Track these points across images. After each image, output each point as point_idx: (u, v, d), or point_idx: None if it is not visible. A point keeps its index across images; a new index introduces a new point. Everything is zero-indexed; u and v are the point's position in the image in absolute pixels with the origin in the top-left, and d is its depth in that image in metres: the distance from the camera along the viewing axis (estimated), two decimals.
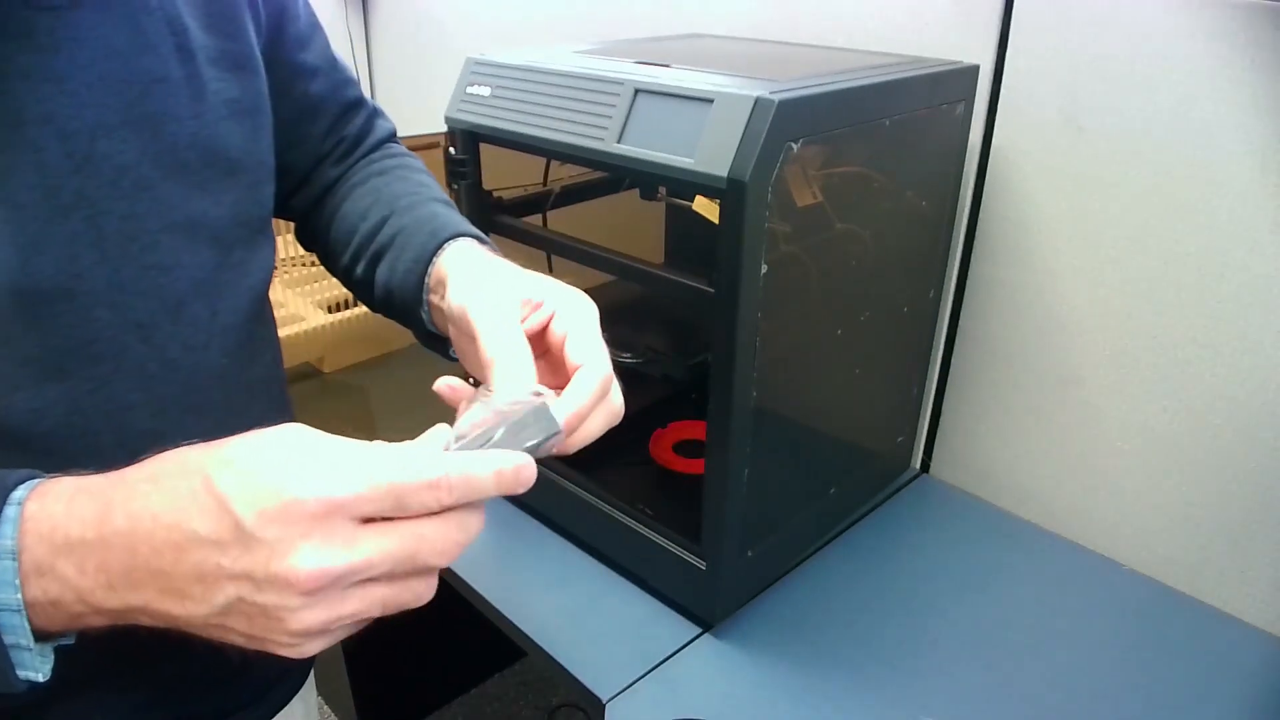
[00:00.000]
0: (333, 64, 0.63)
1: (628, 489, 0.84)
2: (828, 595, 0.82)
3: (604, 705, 0.70)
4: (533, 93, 0.72)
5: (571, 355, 0.44)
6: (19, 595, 0.34)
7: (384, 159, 0.66)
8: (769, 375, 0.68)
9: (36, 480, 0.37)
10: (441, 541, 0.35)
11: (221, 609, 0.34)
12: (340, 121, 0.64)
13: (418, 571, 0.36)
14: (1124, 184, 0.77)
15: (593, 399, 0.42)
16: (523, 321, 0.45)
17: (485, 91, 0.76)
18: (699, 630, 0.78)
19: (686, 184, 0.63)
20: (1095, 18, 0.75)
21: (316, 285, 1.37)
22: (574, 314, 0.46)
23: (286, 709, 0.64)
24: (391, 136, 0.69)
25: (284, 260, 1.46)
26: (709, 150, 0.60)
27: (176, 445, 0.39)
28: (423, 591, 0.37)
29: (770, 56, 0.85)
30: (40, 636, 0.36)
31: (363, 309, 1.29)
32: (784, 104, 0.59)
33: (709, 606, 0.77)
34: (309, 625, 0.34)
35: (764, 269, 0.63)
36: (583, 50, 0.80)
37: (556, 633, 0.76)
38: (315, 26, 0.61)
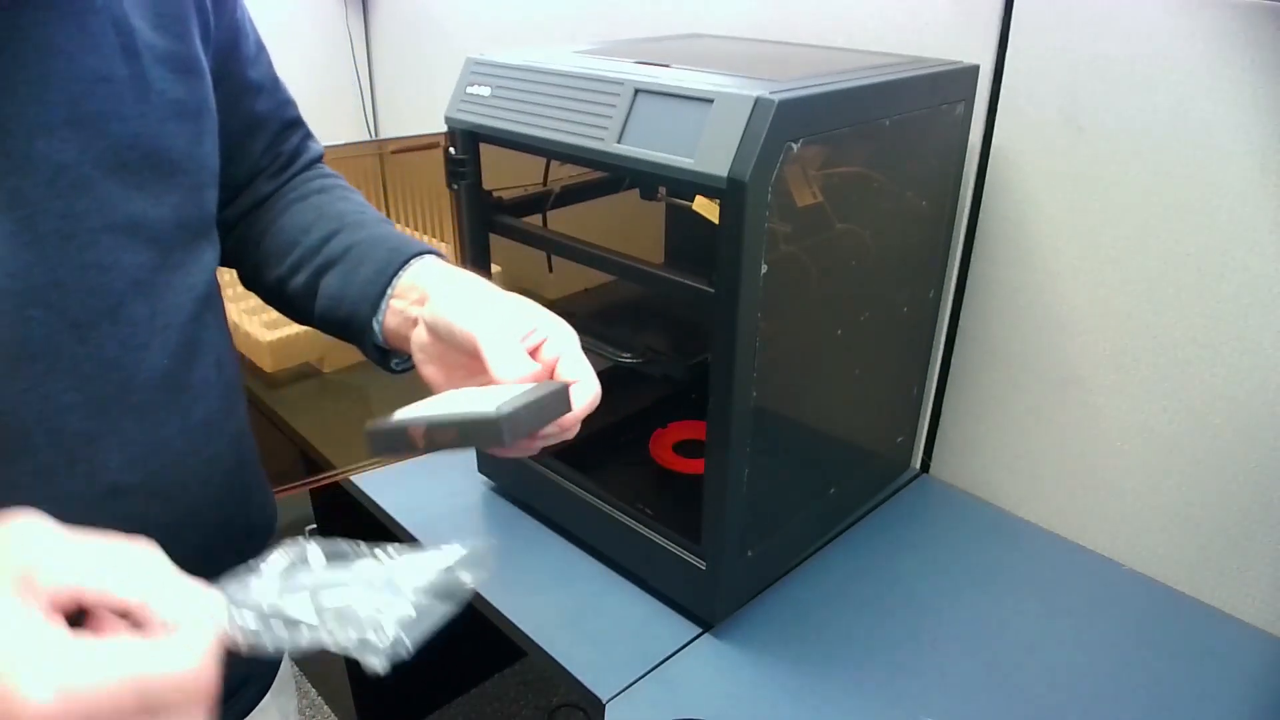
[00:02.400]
0: (275, 83, 0.64)
1: (628, 489, 0.84)
2: (828, 595, 0.82)
3: (604, 705, 0.70)
4: (533, 93, 0.72)
5: (568, 374, 0.48)
6: None
7: (319, 178, 0.67)
8: (769, 375, 0.68)
9: None
10: (181, 683, 0.32)
11: None
12: (278, 138, 0.65)
13: None
14: (1124, 184, 0.77)
15: (587, 407, 0.47)
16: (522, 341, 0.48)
17: (485, 91, 0.76)
18: (699, 630, 0.78)
19: (686, 184, 0.63)
20: (1095, 18, 0.75)
21: None
22: (563, 338, 0.49)
23: (258, 710, 0.63)
24: (320, 158, 0.70)
25: None
26: (709, 150, 0.60)
27: (112, 446, 0.39)
28: None
29: (770, 56, 0.85)
30: None
31: None
32: (784, 104, 0.59)
33: (709, 606, 0.77)
34: None
35: (764, 269, 0.63)
36: (583, 50, 0.80)
37: (556, 632, 0.76)
38: (261, 46, 0.63)
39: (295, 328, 1.22)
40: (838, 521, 0.91)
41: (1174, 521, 0.82)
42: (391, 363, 0.59)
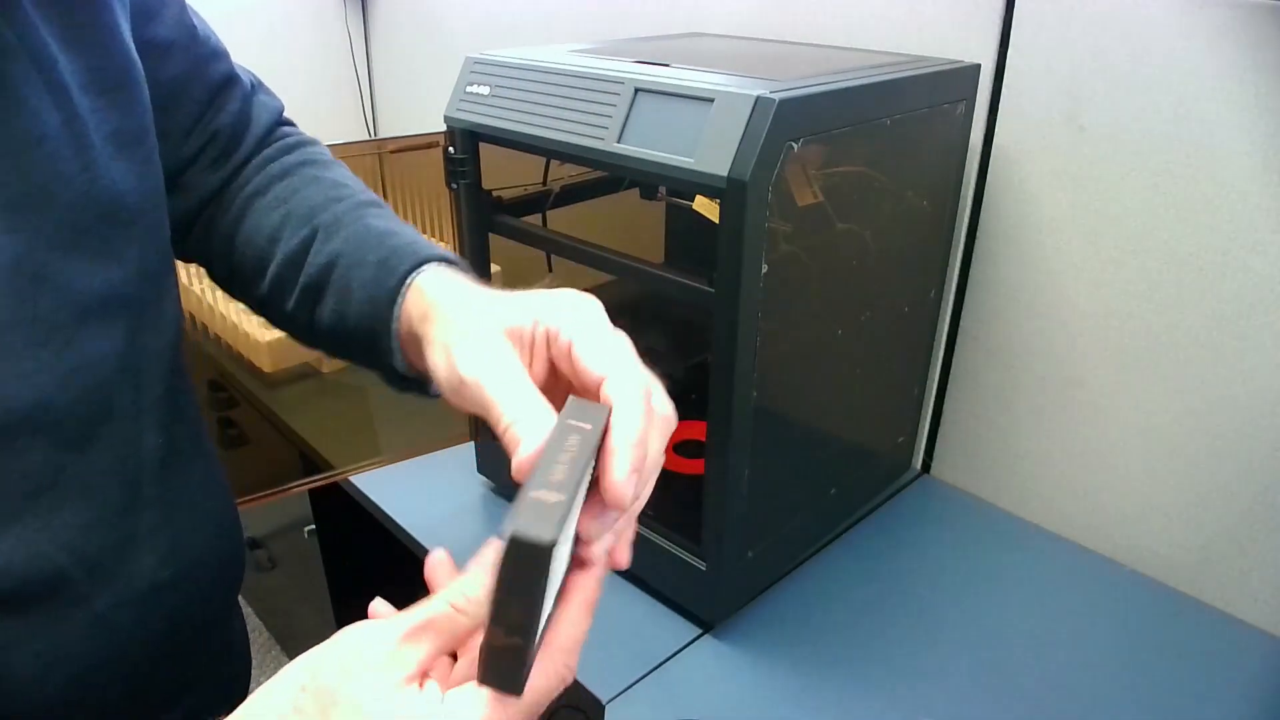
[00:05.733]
0: (192, 35, 0.50)
1: None
2: (828, 596, 0.82)
3: (604, 706, 0.70)
4: (532, 92, 0.72)
5: (590, 366, 0.36)
6: None
7: (280, 155, 0.55)
8: (769, 375, 0.68)
9: None
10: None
11: None
12: (210, 111, 0.52)
13: None
14: (1125, 183, 0.77)
15: (643, 418, 0.34)
16: (529, 362, 0.38)
17: (485, 91, 0.76)
18: (699, 631, 0.77)
19: (686, 184, 0.62)
20: (1096, 17, 0.75)
21: None
22: (574, 320, 0.38)
23: None
24: (279, 117, 0.57)
25: None
26: (709, 150, 0.60)
27: (143, 549, 0.36)
28: None
29: (770, 55, 0.85)
30: None
31: None
32: (784, 103, 0.58)
33: (709, 607, 0.77)
34: None
35: (764, 269, 0.63)
36: (582, 49, 0.79)
37: None
38: None
39: None
40: (838, 522, 0.91)
41: (1175, 522, 0.82)
42: (430, 389, 0.47)
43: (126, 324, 0.43)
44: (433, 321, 0.42)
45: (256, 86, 0.57)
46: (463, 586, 0.33)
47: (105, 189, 0.41)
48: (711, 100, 0.61)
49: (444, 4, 1.49)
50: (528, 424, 0.34)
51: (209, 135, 0.53)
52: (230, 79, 0.54)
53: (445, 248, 0.49)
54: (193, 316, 1.41)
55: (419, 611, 0.33)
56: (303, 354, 1.25)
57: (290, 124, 0.58)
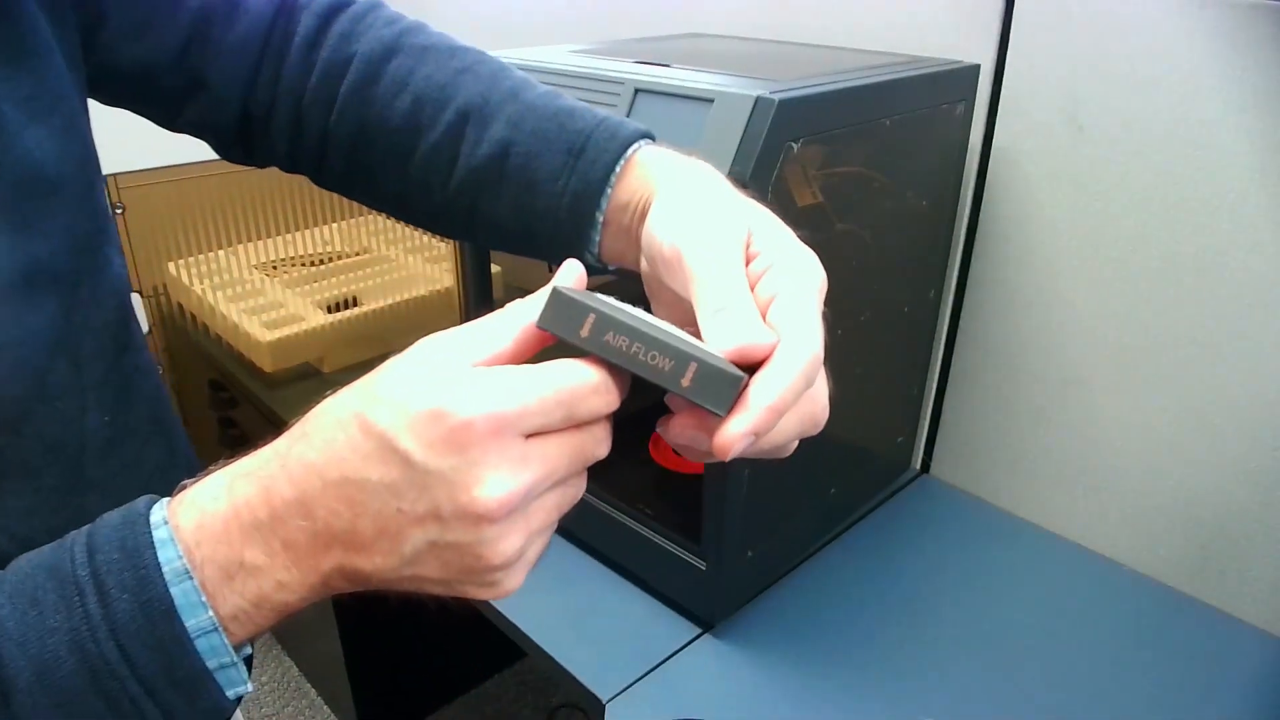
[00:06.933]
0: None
1: (628, 489, 0.84)
2: (828, 595, 0.82)
3: (604, 705, 0.70)
4: None
5: (777, 322, 0.34)
6: (210, 613, 0.31)
7: (360, 30, 0.50)
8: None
9: (163, 500, 0.34)
10: (600, 431, 0.33)
11: (411, 557, 0.31)
12: (260, 34, 0.49)
13: (582, 469, 0.34)
14: (1124, 184, 0.77)
15: (794, 387, 0.32)
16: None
17: None
18: (699, 631, 0.77)
19: None
20: (1096, 17, 0.75)
21: (317, 285, 1.37)
22: (792, 272, 0.35)
23: None
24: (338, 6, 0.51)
25: (284, 260, 1.47)
26: (709, 150, 0.60)
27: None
28: (583, 485, 0.35)
29: (770, 56, 0.85)
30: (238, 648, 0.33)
31: (363, 309, 1.30)
32: (784, 103, 0.59)
33: (709, 607, 0.77)
34: (508, 554, 0.32)
35: None
36: (582, 50, 0.80)
37: (556, 633, 0.76)
38: None
39: (295, 327, 1.22)
40: (838, 522, 0.91)
41: (1175, 522, 0.82)
42: (611, 271, 0.47)
43: (59, 300, 0.42)
44: (657, 196, 0.41)
45: None
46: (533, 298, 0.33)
47: (18, 158, 0.40)
48: (711, 100, 0.61)
49: (444, 4, 1.49)
50: (732, 306, 0.34)
51: (196, 13, 0.49)
52: None
53: (622, 118, 0.46)
54: (193, 316, 1.41)
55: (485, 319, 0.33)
56: (304, 354, 1.25)
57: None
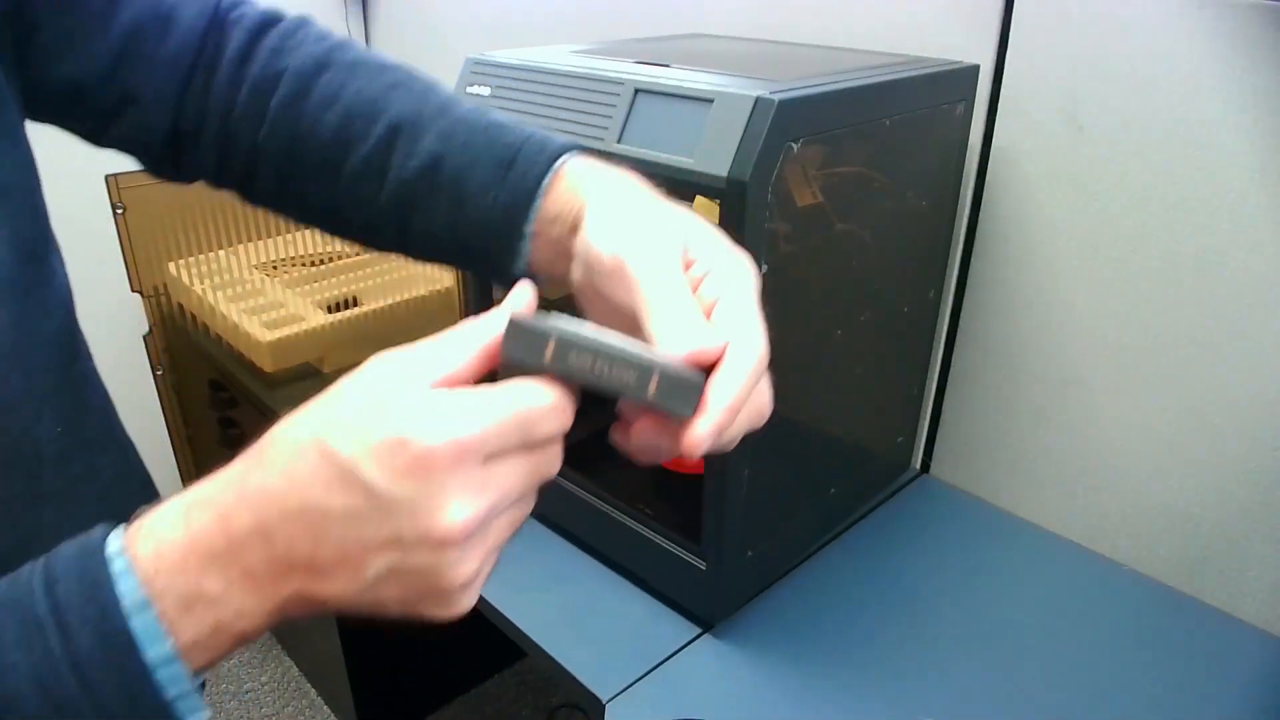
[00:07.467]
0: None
1: (628, 489, 0.84)
2: (828, 595, 0.82)
3: (604, 705, 0.70)
4: (532, 92, 0.72)
5: (722, 324, 0.36)
6: (170, 644, 0.31)
7: (290, 46, 0.50)
8: (769, 375, 0.68)
9: (119, 527, 0.33)
10: (554, 450, 0.34)
11: (372, 582, 0.32)
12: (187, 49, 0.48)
13: (536, 489, 0.35)
14: (1124, 183, 0.77)
15: (747, 386, 0.35)
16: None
17: (485, 91, 0.76)
18: (699, 630, 0.78)
19: (686, 184, 0.62)
20: (1096, 17, 0.75)
21: (317, 285, 1.37)
22: (730, 276, 0.37)
23: None
24: (270, 21, 0.51)
25: (284, 260, 1.47)
26: (709, 150, 0.60)
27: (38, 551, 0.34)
28: (533, 502, 0.35)
29: (770, 56, 0.85)
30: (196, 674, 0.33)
31: (363, 309, 1.30)
32: (784, 104, 0.59)
33: (709, 607, 0.77)
34: (467, 575, 0.32)
35: (764, 269, 0.63)
36: (582, 50, 0.80)
37: (556, 633, 0.76)
38: None
39: (295, 327, 1.22)
40: (838, 522, 0.91)
41: (1174, 522, 0.82)
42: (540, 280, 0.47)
43: (8, 309, 0.41)
44: (589, 208, 0.42)
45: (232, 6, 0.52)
46: (487, 317, 0.34)
47: None
48: (711, 101, 0.61)
49: (444, 4, 1.49)
50: (678, 311, 0.35)
51: (127, 28, 0.48)
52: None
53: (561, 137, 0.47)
54: (193, 317, 1.41)
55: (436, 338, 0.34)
56: (303, 354, 1.25)
57: (242, 1, 0.53)
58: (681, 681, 0.72)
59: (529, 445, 0.33)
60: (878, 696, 0.71)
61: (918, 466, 1.01)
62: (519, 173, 0.45)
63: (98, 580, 0.31)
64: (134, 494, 0.52)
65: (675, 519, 0.78)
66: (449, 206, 0.47)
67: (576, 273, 0.42)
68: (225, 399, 1.44)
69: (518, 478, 0.33)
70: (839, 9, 0.93)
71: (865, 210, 0.74)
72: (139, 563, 0.32)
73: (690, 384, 0.33)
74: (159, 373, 1.54)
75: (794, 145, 0.61)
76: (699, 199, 0.63)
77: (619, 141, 0.65)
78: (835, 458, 0.87)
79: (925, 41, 0.87)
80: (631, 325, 0.37)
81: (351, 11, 1.71)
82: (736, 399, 0.34)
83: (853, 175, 0.71)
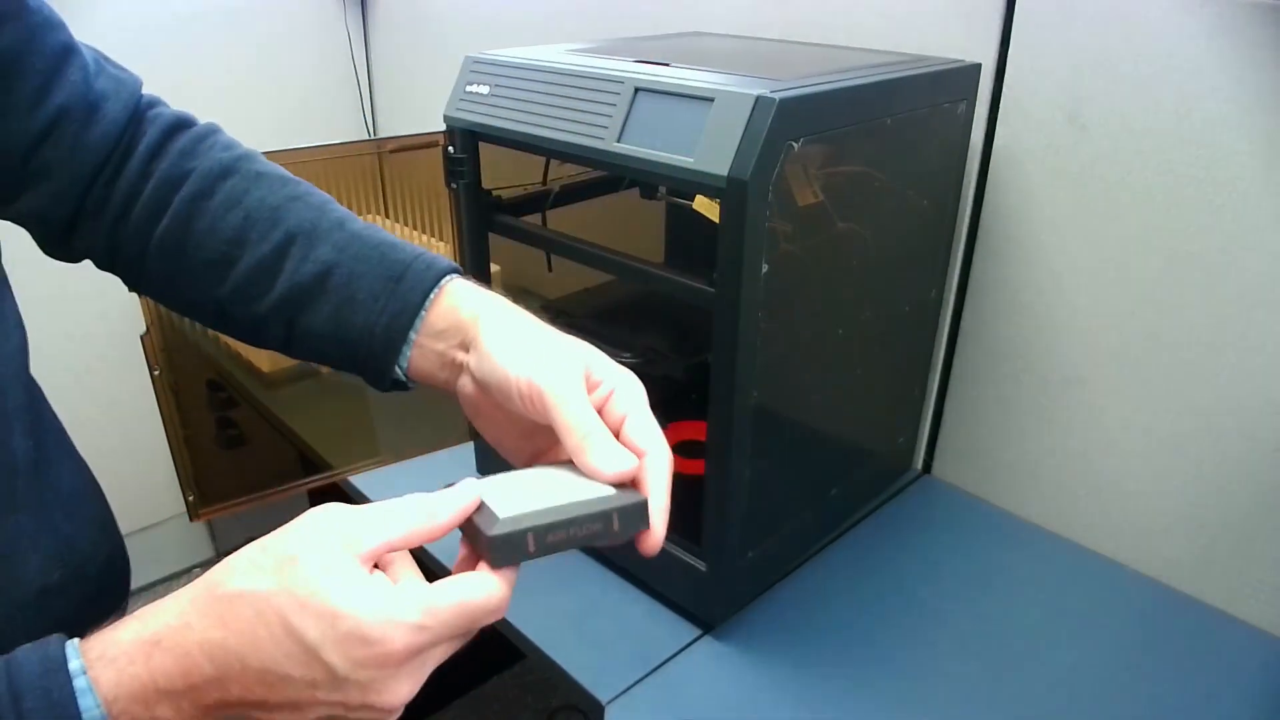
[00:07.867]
0: (21, 4, 0.46)
1: None
2: (829, 597, 0.81)
3: (604, 707, 0.69)
4: (532, 91, 0.72)
5: (635, 438, 0.43)
6: None
7: (203, 150, 0.53)
8: (769, 375, 0.68)
9: (74, 642, 0.36)
10: (495, 609, 0.38)
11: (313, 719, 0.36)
12: (55, 81, 0.49)
13: None
14: (1126, 183, 0.77)
15: (669, 487, 0.43)
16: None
17: (484, 90, 0.76)
18: (699, 632, 0.77)
19: (686, 183, 0.62)
20: (1098, 16, 0.75)
21: None
22: (631, 393, 0.44)
23: None
24: (142, 95, 0.54)
25: None
26: (709, 149, 0.60)
27: (27, 550, 0.39)
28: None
29: (771, 55, 0.85)
30: None
31: None
32: (785, 103, 0.58)
33: (709, 608, 0.77)
34: (398, 712, 0.37)
35: (764, 269, 0.63)
36: (582, 48, 0.79)
37: (556, 635, 0.76)
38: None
39: None
40: (839, 522, 0.91)
41: (1177, 522, 0.82)
42: (409, 387, 0.52)
43: None
44: (484, 330, 0.47)
45: (102, 60, 0.53)
46: (435, 505, 0.39)
47: None
48: (711, 100, 0.61)
49: (444, 4, 1.49)
50: (602, 441, 0.42)
51: (56, 111, 0.49)
52: (69, 48, 0.50)
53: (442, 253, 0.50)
54: None
55: (389, 504, 0.38)
56: None
57: (159, 101, 0.55)
58: (682, 683, 0.72)
59: (470, 632, 0.38)
60: (878, 697, 0.71)
61: (919, 467, 1.01)
62: (408, 286, 0.49)
63: (64, 700, 0.34)
64: (89, 504, 0.55)
65: (675, 520, 0.77)
66: (338, 310, 0.50)
67: (467, 386, 0.48)
68: (223, 399, 1.44)
69: (454, 646, 0.38)
70: (840, 7, 0.93)
71: (866, 209, 0.73)
72: (99, 685, 0.35)
73: (638, 507, 0.41)
74: (156, 373, 1.53)
75: (795, 144, 0.61)
76: (700, 198, 0.62)
77: (619, 141, 0.65)
78: (836, 458, 0.86)
79: (926, 40, 0.87)
80: (528, 432, 0.45)
81: (351, 12, 1.70)
82: (667, 500, 0.43)
83: (854, 174, 0.71)
